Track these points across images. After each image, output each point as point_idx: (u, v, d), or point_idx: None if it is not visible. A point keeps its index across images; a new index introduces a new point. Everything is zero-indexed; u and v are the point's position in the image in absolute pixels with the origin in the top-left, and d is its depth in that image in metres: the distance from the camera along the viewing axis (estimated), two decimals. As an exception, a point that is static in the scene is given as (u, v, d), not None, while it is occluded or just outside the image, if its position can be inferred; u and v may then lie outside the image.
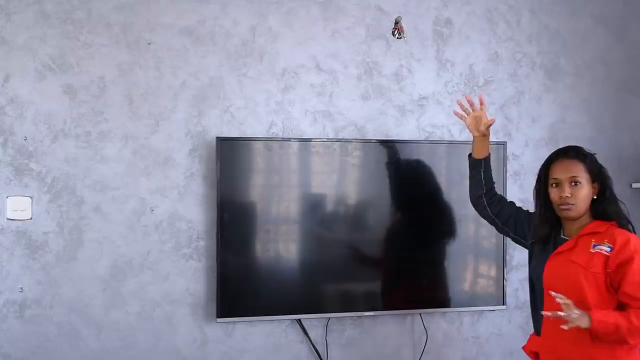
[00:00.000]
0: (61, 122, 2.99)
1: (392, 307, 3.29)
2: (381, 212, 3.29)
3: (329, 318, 3.23)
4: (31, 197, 2.96)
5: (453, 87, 3.46)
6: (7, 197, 2.94)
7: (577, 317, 2.31)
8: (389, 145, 3.26)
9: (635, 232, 2.52)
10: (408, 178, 3.33)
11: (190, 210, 3.12)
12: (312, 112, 3.27)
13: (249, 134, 3.17)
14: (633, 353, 2.45)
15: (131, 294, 3.06)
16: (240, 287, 3.09)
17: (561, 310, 2.33)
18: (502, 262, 3.40)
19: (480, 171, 2.85)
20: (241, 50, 3.19)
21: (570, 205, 2.52)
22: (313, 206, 3.20)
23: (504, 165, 3.40)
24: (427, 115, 3.43)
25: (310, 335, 3.23)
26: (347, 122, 3.32)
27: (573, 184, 2.52)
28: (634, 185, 3.65)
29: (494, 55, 3.52)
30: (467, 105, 2.82)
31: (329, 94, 3.30)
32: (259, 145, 3.13)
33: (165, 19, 3.11)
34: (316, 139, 3.20)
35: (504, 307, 3.41)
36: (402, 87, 3.40)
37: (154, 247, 3.09)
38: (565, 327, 2.32)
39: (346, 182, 3.26)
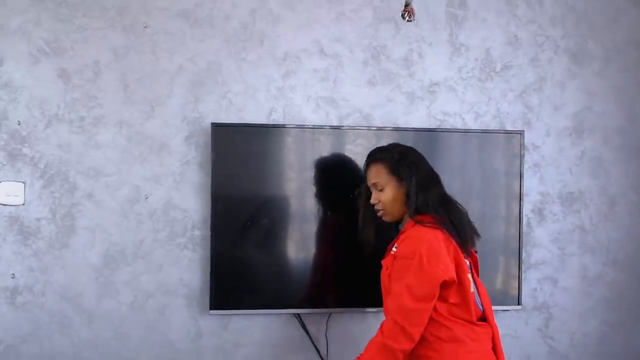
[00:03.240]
0: (55, 107, 2.95)
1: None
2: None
3: (330, 313, 3.09)
4: (24, 183, 2.93)
5: (467, 72, 3.26)
6: (0, 182, 2.91)
7: None
8: (397, 134, 3.09)
9: (451, 221, 2.44)
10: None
11: (186, 199, 3.03)
12: (314, 99, 3.14)
13: (247, 120, 3.06)
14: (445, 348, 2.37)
15: (124, 283, 2.99)
16: (235, 278, 2.98)
17: None
18: (518, 260, 3.18)
19: None
20: (240, 34, 3.08)
21: (381, 211, 2.55)
22: (313, 196, 3.05)
23: (521, 156, 3.18)
24: (439, 103, 3.24)
25: (309, 330, 3.09)
26: (352, 109, 3.16)
27: (379, 189, 2.53)
28: (668, 179, 3.38)
29: (513, 38, 3.31)
30: None
31: (333, 80, 3.16)
32: (256, 132, 3.01)
33: (162, 2, 3.03)
34: (316, 126, 3.06)
35: (519, 307, 3.20)
36: (412, 72, 3.22)
37: (147, 236, 3.01)
38: None
39: (349, 172, 3.10)
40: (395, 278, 2.38)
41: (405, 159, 2.53)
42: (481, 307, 2.51)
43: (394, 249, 2.46)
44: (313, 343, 3.09)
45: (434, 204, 2.47)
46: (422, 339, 2.37)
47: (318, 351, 3.09)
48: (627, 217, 3.39)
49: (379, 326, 2.37)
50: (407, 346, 2.30)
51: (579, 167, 3.35)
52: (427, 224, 2.41)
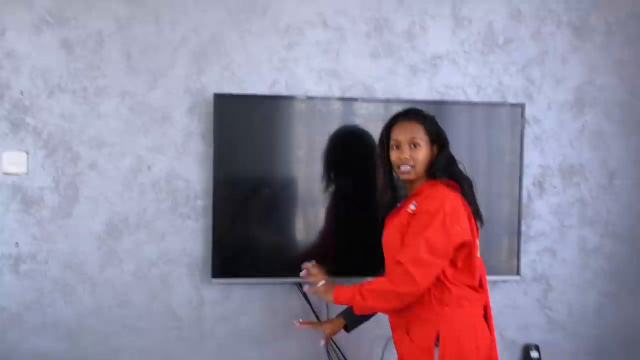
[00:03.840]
0: (57, 77, 2.96)
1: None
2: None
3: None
4: (27, 152, 2.95)
5: (470, 45, 3.27)
6: (3, 151, 2.93)
7: (321, 289, 2.61)
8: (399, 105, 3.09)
9: (466, 191, 2.50)
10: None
11: (188, 169, 3.05)
12: (317, 71, 3.14)
13: (250, 92, 3.07)
14: (440, 311, 2.43)
15: (126, 252, 3.02)
16: (237, 247, 3.01)
17: None
18: (518, 232, 3.20)
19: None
20: (243, 5, 3.08)
21: (409, 167, 2.53)
22: (315, 166, 3.07)
23: (521, 128, 3.19)
24: (441, 76, 3.25)
25: (310, 299, 3.13)
26: (355, 81, 3.17)
27: (412, 145, 2.51)
28: (669, 154, 3.40)
29: (516, 12, 3.30)
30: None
31: (335, 52, 3.16)
32: (258, 103, 3.02)
33: (165, -28, 3.03)
34: (318, 97, 3.07)
35: (518, 277, 3.23)
36: (414, 45, 3.22)
37: (150, 206, 3.04)
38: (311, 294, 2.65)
39: (353, 142, 3.11)
40: (413, 232, 2.41)
41: (438, 125, 2.59)
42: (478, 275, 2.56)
43: (411, 206, 2.47)
44: (314, 311, 3.12)
45: (456, 173, 2.54)
46: (424, 300, 2.43)
47: (319, 319, 3.12)
48: (626, 190, 3.41)
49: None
50: (415, 292, 2.37)
51: (579, 140, 3.36)
52: (449, 185, 2.48)
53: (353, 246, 3.09)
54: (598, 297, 3.41)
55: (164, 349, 3.06)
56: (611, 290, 3.42)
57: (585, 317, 3.41)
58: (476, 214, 2.54)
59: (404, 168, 2.53)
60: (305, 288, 2.69)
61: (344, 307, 3.12)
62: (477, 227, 2.59)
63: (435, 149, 2.55)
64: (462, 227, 2.40)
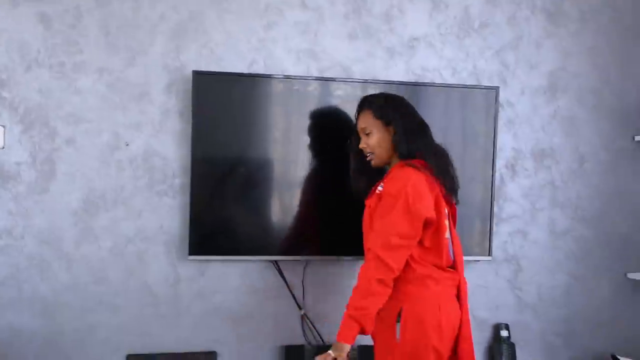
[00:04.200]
0: (35, 52, 2.94)
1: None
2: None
3: (307, 261, 3.16)
4: (3, 127, 2.93)
5: (446, 29, 3.31)
6: (-21, 125, 2.92)
7: (334, 354, 2.39)
8: (374, 86, 3.13)
9: (439, 170, 2.56)
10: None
11: (166, 147, 3.06)
12: (295, 51, 3.16)
13: (228, 70, 3.08)
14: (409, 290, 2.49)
15: (103, 229, 3.03)
16: (214, 225, 3.03)
17: None
18: (490, 213, 3.27)
19: None
20: (223, -16, 3.09)
21: (370, 155, 2.65)
22: (292, 146, 3.09)
23: (495, 112, 3.25)
24: (418, 58, 3.29)
25: (286, 278, 3.17)
26: (333, 63, 3.20)
27: (366, 134, 2.63)
28: (637, 138, 3.47)
29: (492, -4, 3.36)
30: None
31: (314, 33, 3.18)
32: (237, 81, 3.03)
33: (144, -51, 3.02)
34: (297, 76, 3.09)
35: (489, 258, 3.30)
36: (392, 27, 3.26)
37: (127, 183, 3.04)
38: None
39: (331, 123, 3.14)
40: (379, 215, 2.47)
41: (390, 103, 2.63)
42: (452, 257, 2.61)
43: (379, 188, 2.54)
44: (290, 290, 3.16)
45: (421, 150, 2.57)
46: None
47: (294, 298, 3.16)
48: (596, 175, 3.50)
49: (356, 273, 2.45)
50: (390, 276, 2.40)
51: (551, 125, 3.43)
52: (414, 166, 2.50)
53: (329, 227, 3.12)
54: (567, 279, 3.50)
55: (140, 326, 3.07)
56: (579, 272, 3.51)
57: (554, 298, 3.49)
58: (448, 193, 2.58)
59: (368, 156, 2.67)
60: None
61: (319, 284, 3.18)
62: (451, 206, 2.64)
63: (392, 129, 2.60)
64: (424, 206, 2.45)
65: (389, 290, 2.42)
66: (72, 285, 3.01)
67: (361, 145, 2.66)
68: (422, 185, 2.46)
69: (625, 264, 3.54)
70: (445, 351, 2.52)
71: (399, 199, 2.42)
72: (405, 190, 2.42)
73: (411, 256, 2.48)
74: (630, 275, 3.51)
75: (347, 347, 2.40)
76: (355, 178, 2.76)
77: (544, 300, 3.47)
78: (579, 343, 3.51)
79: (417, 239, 2.46)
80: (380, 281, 2.39)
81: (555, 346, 3.49)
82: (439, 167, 2.58)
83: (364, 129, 2.65)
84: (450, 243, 2.62)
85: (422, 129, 2.63)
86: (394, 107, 2.62)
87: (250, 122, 3.06)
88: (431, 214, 2.45)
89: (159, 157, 3.05)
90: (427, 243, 2.50)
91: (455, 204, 2.67)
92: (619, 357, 3.37)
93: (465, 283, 2.64)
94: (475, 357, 2.64)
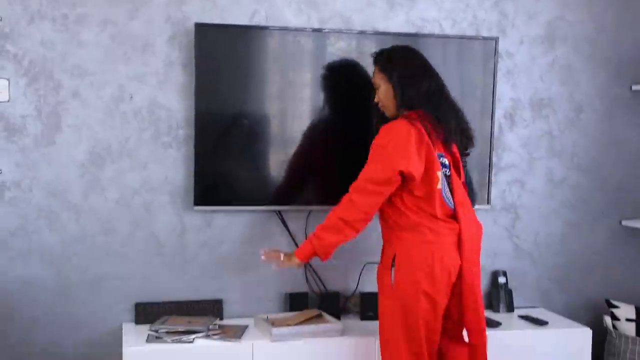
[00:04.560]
0: (37, 4, 2.93)
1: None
2: (360, 109, 3.12)
3: (310, 211, 3.22)
4: (8, 80, 2.94)
5: (446, -21, 3.33)
6: (-16, 78, 2.93)
7: (284, 261, 2.77)
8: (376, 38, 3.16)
9: (443, 119, 2.65)
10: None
11: (170, 99, 3.08)
12: (296, 2, 3.17)
13: (230, 21, 3.09)
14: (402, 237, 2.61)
15: (109, 180, 3.07)
16: (218, 176, 3.08)
17: None
18: (489, 163, 3.33)
19: None
20: None
21: (383, 108, 2.75)
22: (294, 98, 3.13)
23: (495, 62, 3.29)
24: (418, 9, 3.31)
25: (290, 227, 3.23)
26: (333, 13, 3.21)
27: (376, 88, 2.75)
28: (634, 88, 3.53)
29: (491, -54, 3.37)
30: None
31: (314, -17, 3.20)
32: (240, 33, 3.05)
33: None
34: (299, 28, 3.11)
35: (488, 206, 3.37)
36: (392, -22, 3.28)
37: (132, 135, 3.07)
38: (276, 269, 2.83)
39: (334, 74, 3.15)
40: (367, 162, 2.60)
41: (390, 56, 2.70)
42: (451, 205, 2.66)
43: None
44: (293, 239, 3.22)
45: (418, 99, 2.62)
46: (387, 225, 2.65)
47: (297, 246, 3.22)
48: (592, 124, 3.55)
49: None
50: (360, 218, 2.57)
51: (549, 74, 3.47)
52: (408, 118, 2.55)
53: (331, 177, 3.18)
54: (562, 226, 3.58)
55: (147, 276, 3.14)
56: (575, 220, 3.59)
57: (550, 245, 3.57)
58: (445, 141, 2.65)
59: (381, 109, 2.76)
60: (273, 268, 2.83)
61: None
62: (452, 157, 2.69)
63: (390, 78, 2.69)
64: (405, 158, 2.51)
65: (353, 233, 2.60)
66: (81, 236, 3.06)
67: (375, 100, 2.77)
68: (408, 137, 2.53)
69: (620, 211, 3.63)
70: (440, 298, 2.60)
71: (382, 147, 2.56)
72: (387, 139, 2.55)
73: (403, 203, 2.59)
74: (625, 223, 3.60)
75: (297, 261, 2.71)
76: (377, 129, 2.75)
77: (541, 248, 3.56)
78: (574, 289, 3.61)
79: (393, 186, 2.55)
80: (344, 221, 2.56)
81: (552, 292, 3.59)
82: (439, 114, 2.63)
83: (374, 83, 2.76)
84: (449, 192, 2.67)
85: (419, 76, 2.67)
86: (394, 60, 2.71)
87: (252, 73, 3.09)
88: (410, 169, 2.51)
89: (163, 109, 3.08)
90: (418, 192, 2.58)
91: (464, 152, 2.74)
92: (613, 301, 3.47)
93: (466, 230, 2.65)
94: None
